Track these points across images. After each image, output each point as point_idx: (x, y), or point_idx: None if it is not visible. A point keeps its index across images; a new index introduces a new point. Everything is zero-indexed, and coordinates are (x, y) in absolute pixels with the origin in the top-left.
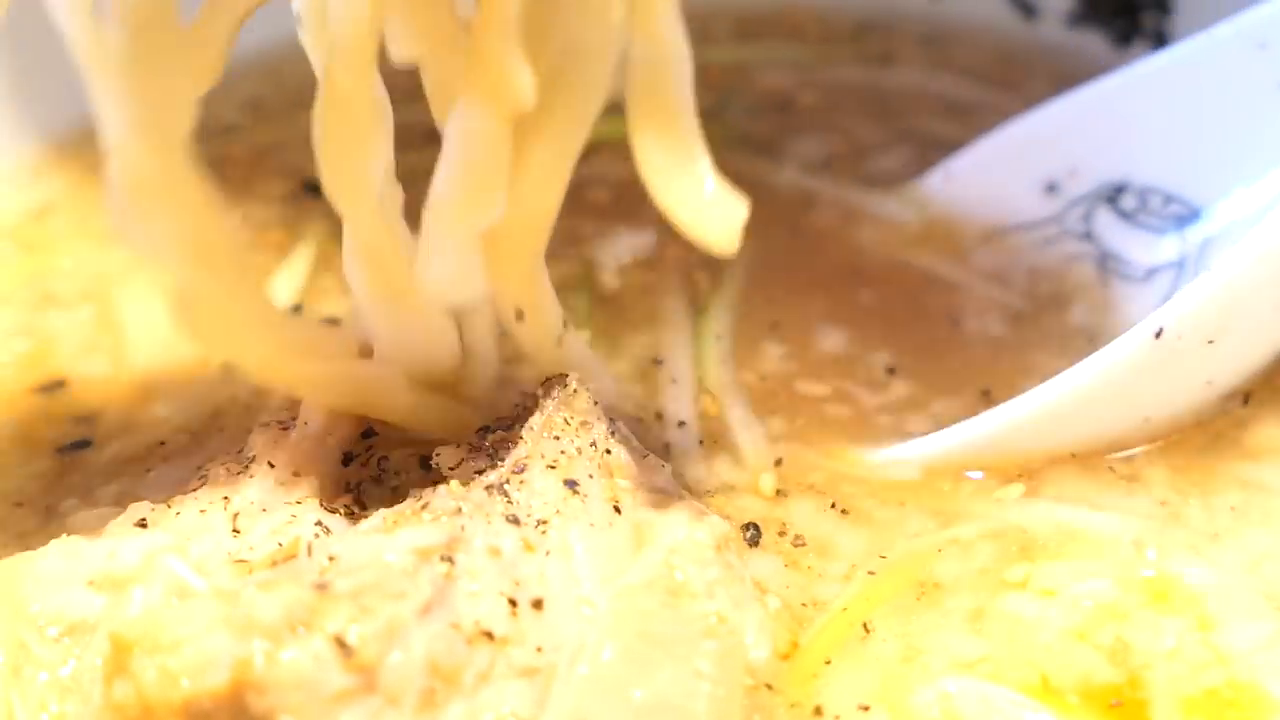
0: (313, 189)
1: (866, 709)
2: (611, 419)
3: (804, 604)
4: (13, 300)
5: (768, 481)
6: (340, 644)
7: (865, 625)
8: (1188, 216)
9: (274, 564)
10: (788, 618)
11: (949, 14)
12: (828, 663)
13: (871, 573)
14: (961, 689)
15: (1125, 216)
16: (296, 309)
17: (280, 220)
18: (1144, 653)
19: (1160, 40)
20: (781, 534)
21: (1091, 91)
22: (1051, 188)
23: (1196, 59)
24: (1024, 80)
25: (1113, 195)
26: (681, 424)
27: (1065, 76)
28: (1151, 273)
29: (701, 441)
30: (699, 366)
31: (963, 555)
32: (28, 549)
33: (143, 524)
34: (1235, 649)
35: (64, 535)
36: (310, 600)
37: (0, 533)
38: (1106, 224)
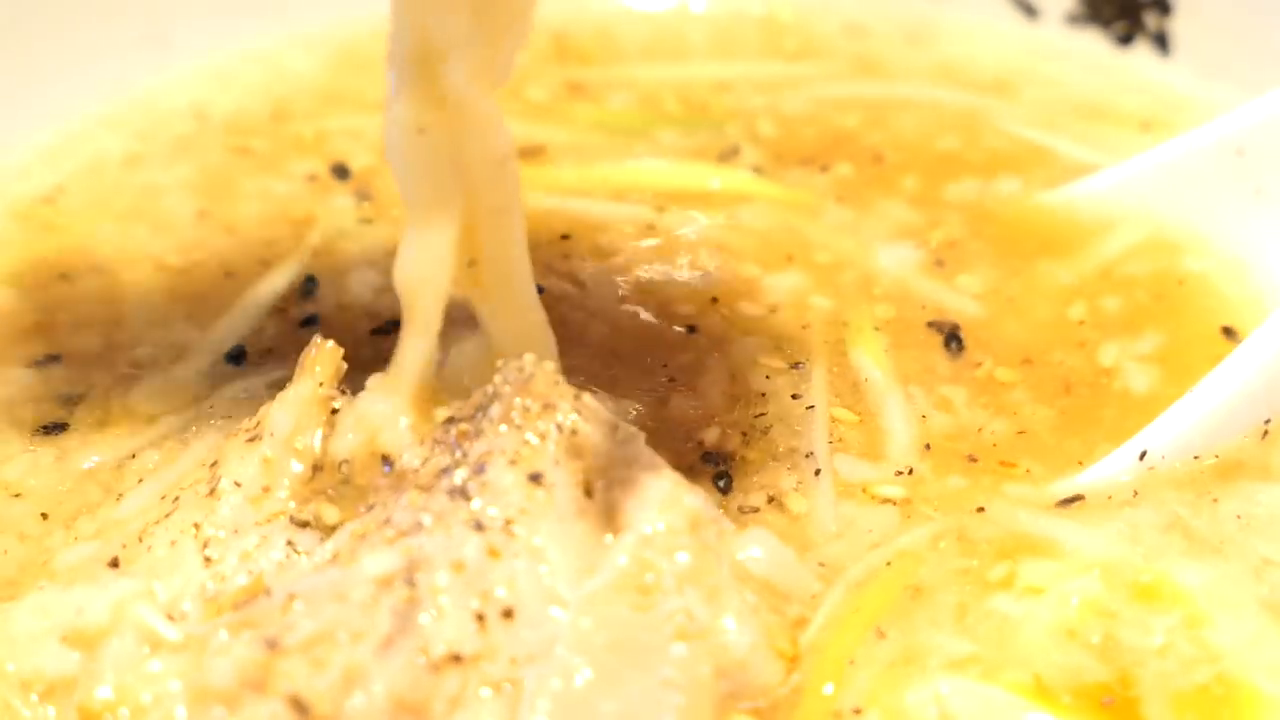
0: (340, 172)
1: (858, 712)
2: (577, 392)
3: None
4: (22, 280)
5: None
6: (295, 703)
7: (879, 629)
8: None
9: (236, 605)
10: (773, 618)
11: (949, 14)
12: (851, 663)
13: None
14: (955, 689)
15: None
16: (311, 278)
17: (301, 198)
18: (1133, 650)
19: (1161, 41)
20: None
21: None
22: None
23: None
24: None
25: None
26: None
27: (1065, 77)
28: None
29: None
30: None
31: (939, 556)
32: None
33: (114, 564)
34: (1225, 645)
35: (39, 583)
36: (262, 659)
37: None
38: None
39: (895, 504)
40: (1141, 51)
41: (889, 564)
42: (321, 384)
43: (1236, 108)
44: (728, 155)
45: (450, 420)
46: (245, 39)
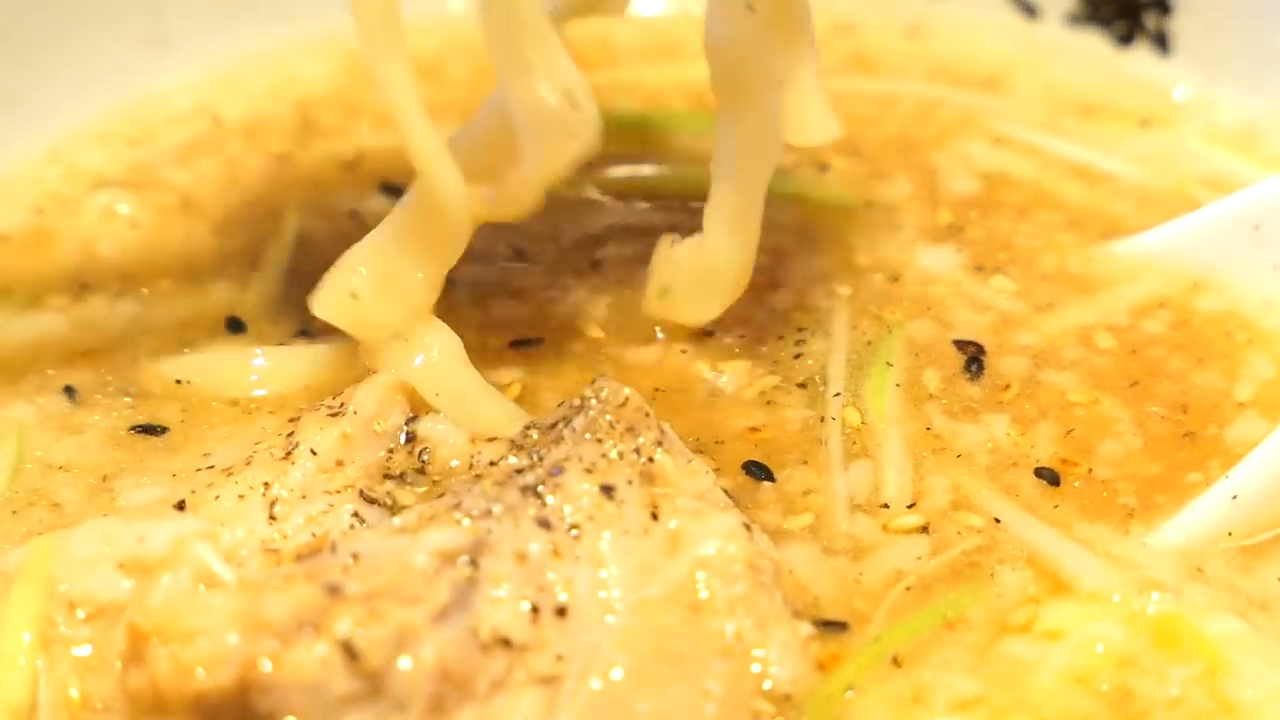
0: (391, 190)
1: None
2: (662, 424)
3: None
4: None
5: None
6: (347, 648)
7: (896, 659)
8: None
9: (299, 557)
10: (818, 645)
11: (949, 14)
12: (851, 690)
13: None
14: None
15: None
16: None
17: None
18: (1145, 699)
19: (1162, 41)
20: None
21: None
22: None
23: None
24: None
25: None
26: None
27: (1066, 77)
28: None
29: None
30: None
31: (960, 591)
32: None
33: (180, 506)
34: (1243, 699)
35: (103, 514)
36: (320, 602)
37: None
38: None
39: (922, 532)
40: (1141, 51)
41: (908, 589)
42: None
43: (1254, 183)
44: None
45: (531, 425)
46: (246, 40)
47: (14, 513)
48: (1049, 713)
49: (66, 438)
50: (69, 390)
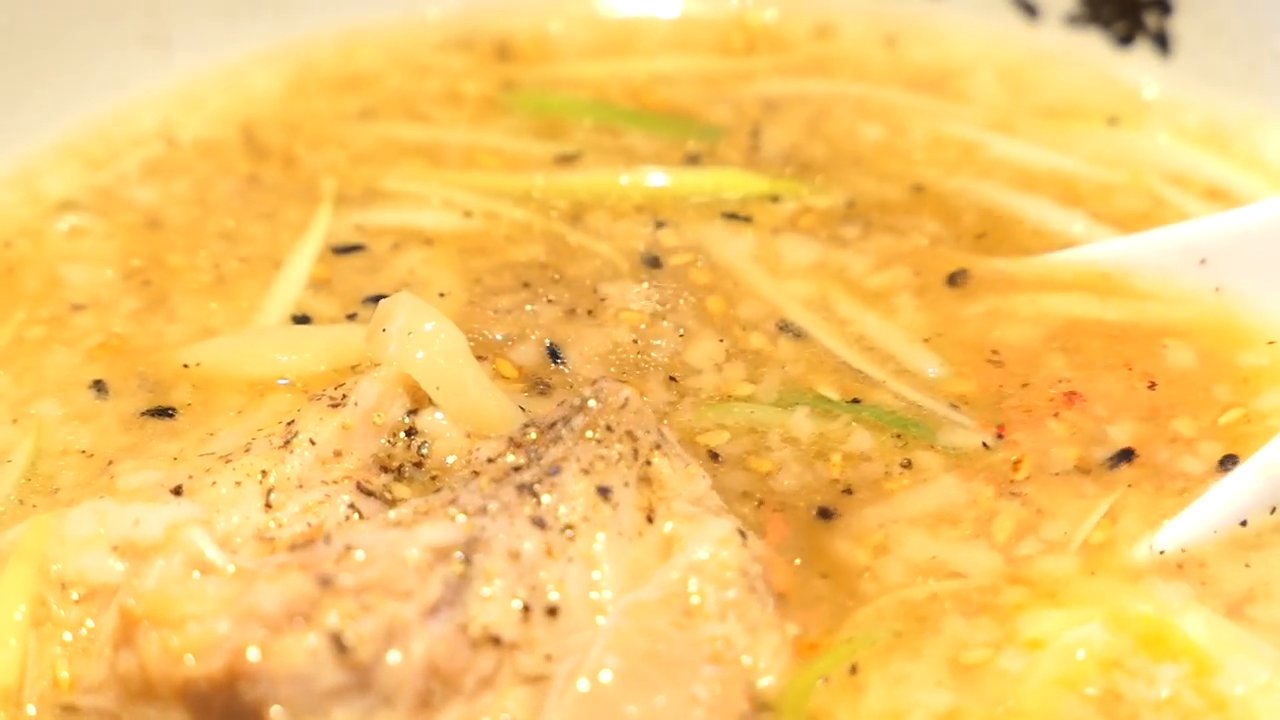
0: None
1: None
2: (662, 429)
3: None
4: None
5: None
6: (336, 640)
7: (853, 667)
8: None
9: (293, 547)
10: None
11: (949, 14)
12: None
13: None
14: None
15: None
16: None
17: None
18: (1134, 703)
19: (1162, 41)
20: None
21: None
22: None
23: None
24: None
25: None
26: None
27: (1066, 76)
28: None
29: None
30: None
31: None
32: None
33: (177, 490)
34: (1232, 694)
35: (99, 495)
36: (312, 593)
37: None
38: None
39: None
40: (1142, 51)
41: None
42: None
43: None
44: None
45: (530, 424)
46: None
47: (20, 502)
48: (1038, 718)
49: (83, 426)
50: (98, 384)
